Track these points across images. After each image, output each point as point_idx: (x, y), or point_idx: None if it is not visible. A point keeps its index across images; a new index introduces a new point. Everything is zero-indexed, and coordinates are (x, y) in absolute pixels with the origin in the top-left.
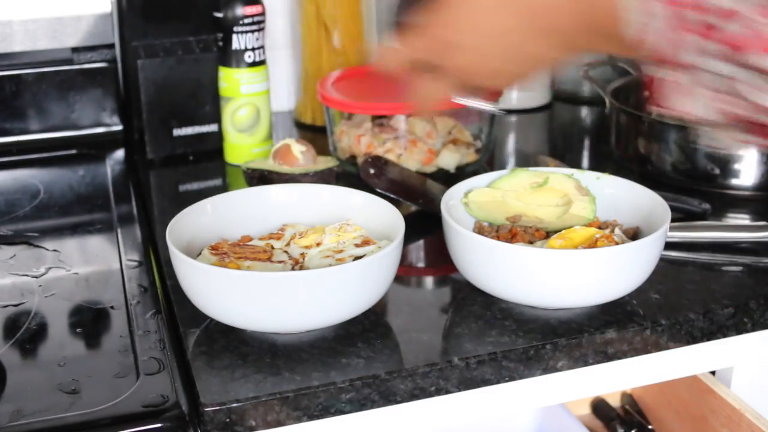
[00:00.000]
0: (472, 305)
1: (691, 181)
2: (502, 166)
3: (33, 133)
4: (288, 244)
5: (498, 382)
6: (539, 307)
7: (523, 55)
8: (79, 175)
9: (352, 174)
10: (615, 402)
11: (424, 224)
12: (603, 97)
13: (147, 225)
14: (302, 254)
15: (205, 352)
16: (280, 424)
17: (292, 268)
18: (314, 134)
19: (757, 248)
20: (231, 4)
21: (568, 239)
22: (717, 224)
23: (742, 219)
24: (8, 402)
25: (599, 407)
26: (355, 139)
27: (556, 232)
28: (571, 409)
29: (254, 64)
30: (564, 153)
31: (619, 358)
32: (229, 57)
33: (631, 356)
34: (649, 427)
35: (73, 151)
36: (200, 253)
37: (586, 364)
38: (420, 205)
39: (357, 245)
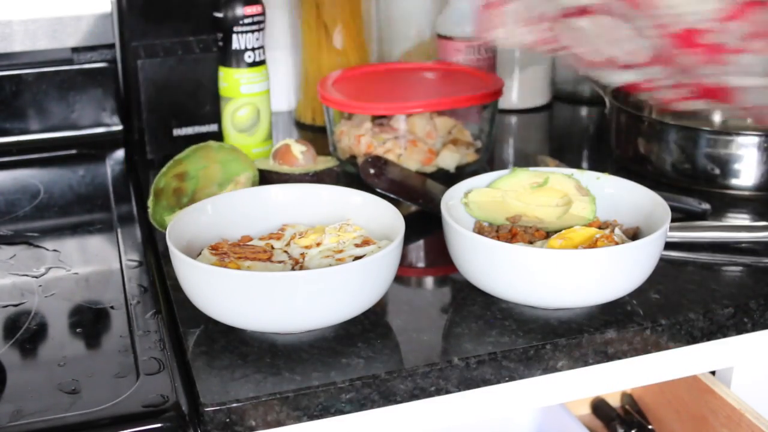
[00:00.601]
0: (472, 305)
1: (691, 181)
2: (502, 166)
3: (33, 133)
4: (288, 244)
5: (498, 382)
6: (539, 307)
7: None
8: (79, 175)
9: (352, 174)
10: (615, 402)
11: (424, 224)
12: (603, 97)
13: (147, 225)
14: (302, 254)
15: (205, 352)
16: (280, 424)
17: (292, 268)
18: (314, 134)
19: (757, 248)
20: (231, 4)
21: (568, 239)
22: (717, 224)
23: (742, 219)
24: (8, 402)
25: (599, 407)
26: (355, 139)
27: (556, 232)
28: (571, 409)
29: (254, 64)
30: (564, 153)
31: (619, 358)
32: (229, 57)
33: (631, 356)
34: (649, 427)
35: (73, 151)
36: (200, 253)
37: (586, 364)
38: (420, 205)
39: (357, 245)
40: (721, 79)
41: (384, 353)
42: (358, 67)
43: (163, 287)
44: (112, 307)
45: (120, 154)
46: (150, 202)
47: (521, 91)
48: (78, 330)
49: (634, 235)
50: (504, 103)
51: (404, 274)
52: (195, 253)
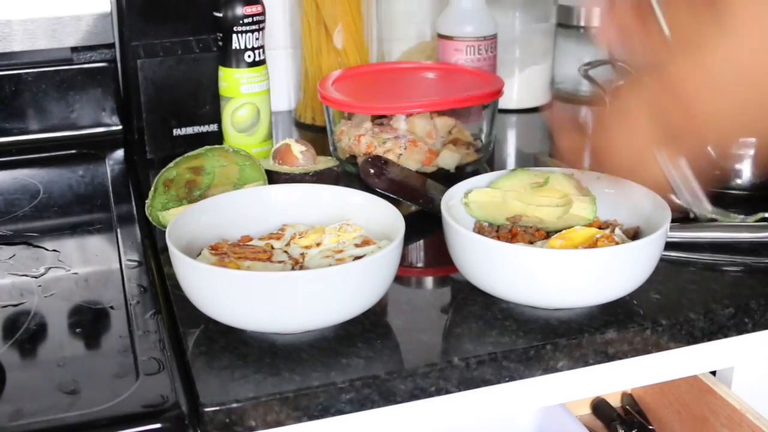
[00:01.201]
0: (472, 305)
1: None
2: (502, 166)
3: (32, 132)
4: (288, 244)
5: (498, 382)
6: (539, 307)
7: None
8: (79, 175)
9: (352, 174)
10: (615, 402)
11: (424, 224)
12: (603, 97)
13: (147, 225)
14: (302, 254)
15: (204, 353)
16: (279, 424)
17: (292, 268)
18: (314, 134)
19: (757, 248)
20: (231, 4)
21: (568, 239)
22: (717, 224)
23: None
24: (8, 402)
25: (600, 407)
26: (355, 139)
27: (556, 232)
28: (572, 410)
29: (254, 63)
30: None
31: (620, 358)
32: (228, 57)
33: (632, 356)
34: (650, 427)
35: (73, 151)
36: (200, 253)
37: (586, 364)
38: (420, 205)
39: (357, 245)
40: None
41: (384, 353)
42: (358, 67)
43: (162, 287)
44: (111, 307)
45: (120, 153)
46: (150, 194)
47: (521, 91)
48: (77, 330)
49: (634, 235)
50: (504, 103)
51: (404, 274)
52: (195, 253)
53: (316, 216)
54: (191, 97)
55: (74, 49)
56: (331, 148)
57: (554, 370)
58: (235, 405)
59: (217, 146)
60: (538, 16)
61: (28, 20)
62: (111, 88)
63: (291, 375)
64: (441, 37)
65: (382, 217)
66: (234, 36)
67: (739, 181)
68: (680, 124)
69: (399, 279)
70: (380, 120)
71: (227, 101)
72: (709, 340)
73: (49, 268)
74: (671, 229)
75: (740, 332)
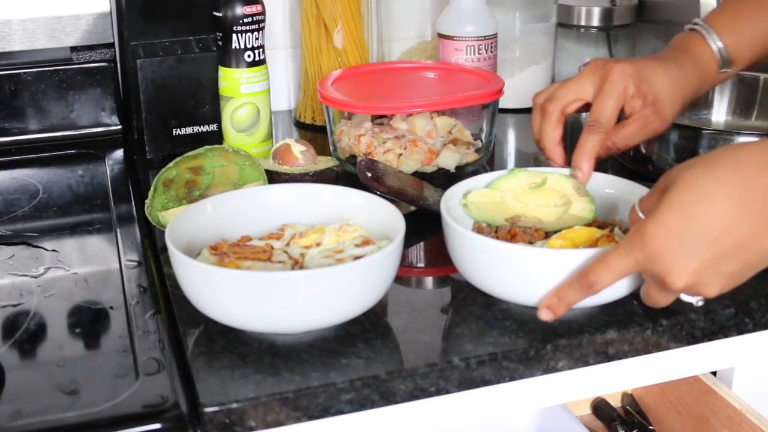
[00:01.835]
0: (472, 305)
1: None
2: (503, 166)
3: (32, 132)
4: (288, 244)
5: (498, 382)
6: None
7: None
8: (78, 175)
9: (352, 174)
10: (616, 402)
11: (424, 224)
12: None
13: (146, 225)
14: (302, 254)
15: (204, 353)
16: (279, 424)
17: (292, 268)
18: (314, 134)
19: None
20: (230, 4)
21: (568, 239)
22: None
23: None
24: (7, 402)
25: (600, 408)
26: (355, 139)
27: (555, 232)
28: (572, 410)
29: (254, 63)
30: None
31: (620, 359)
32: (228, 56)
33: (632, 356)
34: (650, 427)
35: (72, 151)
36: (200, 253)
37: (586, 364)
38: (418, 206)
39: (357, 245)
40: None
41: (384, 353)
42: (358, 66)
43: (162, 287)
44: (111, 308)
45: (119, 153)
46: (149, 194)
47: (521, 91)
48: (77, 330)
49: None
50: (504, 103)
51: (404, 274)
52: (195, 253)
53: (316, 216)
54: (191, 96)
55: (74, 49)
56: (331, 148)
57: (554, 370)
58: (234, 405)
59: (216, 146)
60: (539, 15)
61: (28, 20)
62: (110, 88)
63: (291, 375)
64: (441, 36)
65: (382, 217)
66: (234, 36)
67: None
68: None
69: (399, 279)
70: (380, 120)
71: (227, 101)
72: (710, 340)
73: (49, 268)
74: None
75: (741, 332)
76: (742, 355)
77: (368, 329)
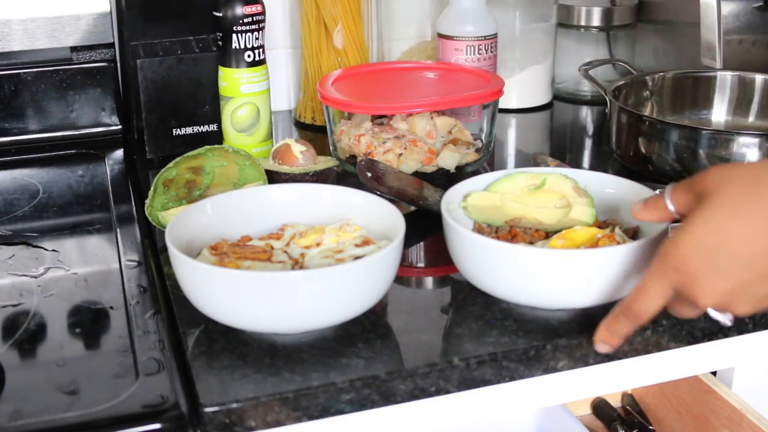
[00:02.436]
0: (472, 305)
1: None
2: (503, 166)
3: (32, 132)
4: (288, 244)
5: (498, 382)
6: (540, 308)
7: None
8: (78, 175)
9: (352, 174)
10: (616, 402)
11: (424, 224)
12: (603, 96)
13: (146, 225)
14: (302, 254)
15: (204, 353)
16: (279, 424)
17: (292, 268)
18: (314, 134)
19: None
20: (230, 4)
21: (569, 239)
22: None
23: None
24: (7, 402)
25: (600, 407)
26: (355, 139)
27: (555, 232)
28: (572, 410)
29: (254, 63)
30: (564, 153)
31: (620, 359)
32: (228, 56)
33: (632, 356)
34: (650, 427)
35: (72, 151)
36: (200, 253)
37: (586, 364)
38: (418, 206)
39: (357, 245)
40: None
41: (384, 353)
42: (358, 66)
43: (162, 287)
44: (111, 308)
45: (119, 153)
46: (149, 194)
47: (521, 91)
48: (77, 330)
49: (633, 234)
50: (504, 103)
51: (404, 274)
52: (194, 253)
53: (316, 216)
54: (191, 96)
55: (74, 49)
56: (331, 148)
57: (554, 370)
58: (234, 405)
59: (216, 146)
60: (539, 15)
61: (28, 20)
62: (110, 88)
63: (291, 375)
64: (441, 36)
65: (382, 217)
66: (234, 36)
67: None
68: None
69: (399, 279)
70: (380, 120)
71: (227, 101)
72: (710, 340)
73: (49, 268)
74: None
75: (741, 332)
76: (742, 355)
77: (368, 329)
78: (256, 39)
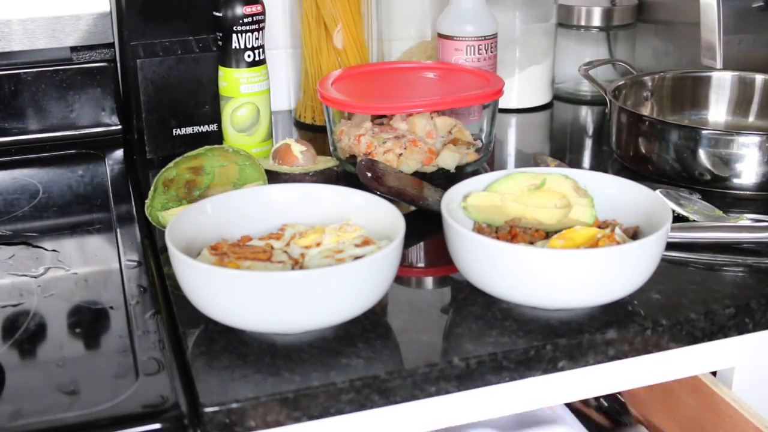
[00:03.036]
0: (472, 305)
1: (692, 181)
2: (503, 166)
3: (32, 132)
4: (288, 244)
5: (498, 382)
6: (540, 308)
7: None
8: (78, 175)
9: (352, 174)
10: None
11: (424, 224)
12: (603, 96)
13: (146, 225)
14: (302, 254)
15: (204, 353)
16: (279, 424)
17: (292, 268)
18: (314, 134)
19: (758, 249)
20: (230, 4)
21: (569, 239)
22: (718, 224)
23: (743, 220)
24: (7, 402)
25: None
26: (355, 139)
27: (555, 232)
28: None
29: (254, 63)
30: (564, 153)
31: (620, 359)
32: (228, 56)
33: (632, 356)
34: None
35: (72, 151)
36: (200, 253)
37: (586, 364)
38: (418, 206)
39: (357, 245)
40: None
41: (384, 353)
42: (358, 66)
43: (162, 287)
44: (111, 308)
45: (119, 153)
46: (149, 194)
47: (521, 91)
48: (77, 330)
49: (633, 234)
50: (504, 103)
51: (404, 274)
52: (195, 253)
53: (316, 216)
54: (191, 96)
55: (74, 49)
56: (331, 148)
57: (554, 370)
58: (234, 405)
59: (216, 146)
60: (539, 15)
61: (28, 20)
62: (110, 88)
63: (291, 375)
64: (441, 36)
65: (382, 217)
66: (234, 36)
67: (740, 181)
68: None
69: (399, 279)
70: (380, 120)
71: (227, 101)
72: (710, 340)
73: (49, 268)
74: (671, 229)
75: (741, 332)
76: (742, 355)
77: (368, 329)
78: (256, 39)
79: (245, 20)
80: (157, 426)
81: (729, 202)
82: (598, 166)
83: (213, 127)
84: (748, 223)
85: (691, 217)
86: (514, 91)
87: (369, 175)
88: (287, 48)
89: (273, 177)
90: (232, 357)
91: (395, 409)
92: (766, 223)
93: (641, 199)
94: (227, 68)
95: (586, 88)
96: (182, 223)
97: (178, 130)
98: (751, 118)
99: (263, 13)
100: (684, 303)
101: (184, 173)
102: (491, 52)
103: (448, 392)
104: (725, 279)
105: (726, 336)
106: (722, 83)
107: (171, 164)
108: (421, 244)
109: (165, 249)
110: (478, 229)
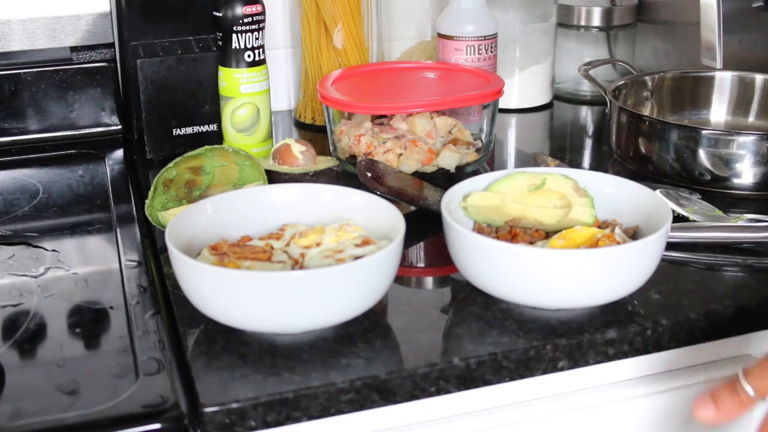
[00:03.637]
0: (472, 305)
1: (692, 181)
2: (502, 166)
3: (32, 132)
4: (288, 244)
5: (498, 382)
6: (540, 308)
7: None
8: (78, 175)
9: (352, 174)
10: None
11: (424, 224)
12: (603, 96)
13: (146, 225)
14: (302, 254)
15: (204, 353)
16: (279, 424)
17: (292, 268)
18: (314, 134)
19: (758, 249)
20: (230, 4)
21: (569, 239)
22: (718, 224)
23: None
24: (7, 402)
25: None
26: (355, 139)
27: (555, 232)
28: None
29: (254, 63)
30: (564, 153)
31: (620, 359)
32: (228, 56)
33: (632, 356)
34: None
35: (72, 151)
36: (200, 253)
37: (586, 364)
38: (418, 206)
39: (357, 245)
40: None
41: (384, 353)
42: (358, 66)
43: (162, 287)
44: (111, 308)
45: (119, 153)
46: (149, 194)
47: (521, 91)
48: (77, 330)
49: (633, 234)
50: (504, 103)
51: (404, 274)
52: (194, 253)
53: (316, 216)
54: (191, 97)
55: (74, 49)
56: (331, 148)
57: (554, 370)
58: (234, 405)
59: (216, 146)
60: (538, 15)
61: (28, 20)
62: (110, 88)
63: (291, 375)
64: (441, 36)
65: (382, 217)
66: (234, 36)
67: (740, 181)
68: None
69: (399, 279)
70: (380, 120)
71: (227, 101)
72: (710, 340)
73: (49, 268)
74: (671, 229)
75: (741, 332)
76: (742, 355)
77: (368, 329)
78: (256, 39)
79: (245, 20)
80: (157, 426)
81: (729, 202)
82: (598, 166)
83: (213, 127)
84: (748, 223)
85: (691, 217)
86: (514, 91)
87: (369, 175)
88: (287, 48)
89: (273, 177)
90: (232, 357)
91: (395, 409)
92: (766, 223)
93: (641, 199)
94: (227, 68)
95: (586, 88)
96: (182, 223)
97: (178, 130)
98: (751, 118)
99: (263, 13)
100: (684, 303)
101: (184, 173)
102: (491, 52)
103: (448, 392)
104: (725, 279)
105: (726, 336)
106: (722, 83)
107: (171, 164)
108: (421, 244)
109: (165, 249)
110: (478, 229)
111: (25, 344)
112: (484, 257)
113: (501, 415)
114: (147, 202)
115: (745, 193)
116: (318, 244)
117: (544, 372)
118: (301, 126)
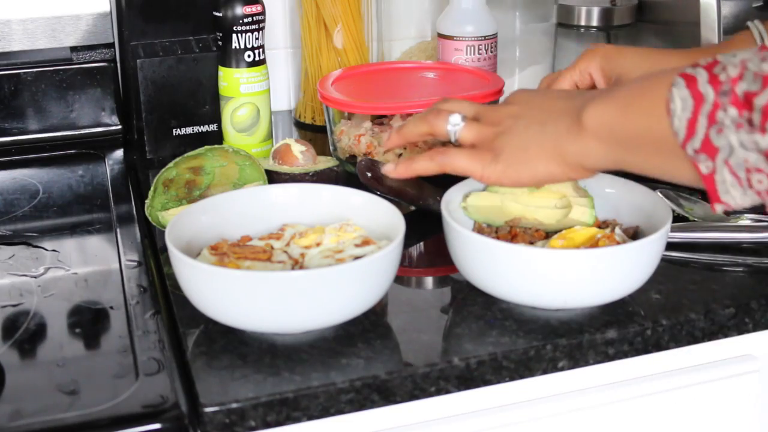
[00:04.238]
0: (472, 305)
1: None
2: None
3: (32, 132)
4: (288, 244)
5: (498, 382)
6: (540, 308)
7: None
8: (78, 175)
9: (352, 174)
10: None
11: (424, 224)
12: None
13: (146, 225)
14: (302, 254)
15: (204, 353)
16: (279, 424)
17: (292, 268)
18: (314, 134)
19: (758, 249)
20: (230, 4)
21: (569, 239)
22: (718, 224)
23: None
24: (7, 402)
25: None
26: (355, 139)
27: (555, 232)
28: None
29: (254, 63)
30: None
31: (620, 359)
32: (228, 56)
33: (632, 356)
34: None
35: (72, 151)
36: (200, 253)
37: (586, 364)
38: (418, 206)
39: (357, 245)
40: None
41: (384, 353)
42: (358, 66)
43: (162, 287)
44: (111, 308)
45: (119, 153)
46: (149, 194)
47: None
48: (77, 330)
49: (633, 234)
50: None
51: (404, 274)
52: (195, 253)
53: (316, 216)
54: (191, 96)
55: (74, 49)
56: (331, 148)
57: (554, 370)
58: (234, 405)
59: (216, 146)
60: (538, 15)
61: (28, 20)
62: (110, 88)
63: (291, 375)
64: (441, 36)
65: (382, 217)
66: (234, 36)
67: None
68: None
69: (399, 279)
70: (380, 120)
71: (227, 101)
72: (710, 340)
73: (49, 268)
74: (671, 229)
75: (741, 332)
76: (742, 355)
77: (368, 329)
78: (256, 39)
79: (245, 20)
80: (157, 426)
81: None
82: None
83: (213, 127)
84: (748, 223)
85: (691, 217)
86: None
87: (369, 175)
88: (287, 48)
89: (273, 177)
90: (232, 357)
91: (395, 409)
92: (766, 223)
93: (641, 199)
94: (227, 68)
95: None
96: (182, 223)
97: (178, 130)
98: None
99: (263, 13)
100: (684, 303)
101: (184, 173)
102: (491, 52)
103: (448, 392)
104: (725, 279)
105: (726, 336)
106: None
107: (171, 164)
108: (421, 244)
109: (165, 249)
110: (478, 229)
111: (25, 344)
112: (484, 257)
113: (501, 415)
114: (147, 202)
115: None
116: (318, 244)
117: (544, 372)
118: (301, 126)
